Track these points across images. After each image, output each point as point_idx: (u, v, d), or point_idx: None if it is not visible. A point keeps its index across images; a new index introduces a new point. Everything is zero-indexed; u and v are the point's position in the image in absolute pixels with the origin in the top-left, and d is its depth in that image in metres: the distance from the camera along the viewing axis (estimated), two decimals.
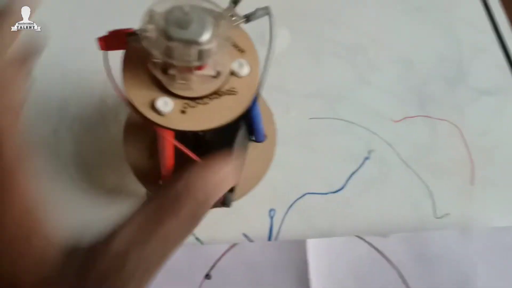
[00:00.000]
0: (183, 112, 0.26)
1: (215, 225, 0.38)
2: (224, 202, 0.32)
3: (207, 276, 0.37)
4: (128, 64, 0.27)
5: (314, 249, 0.38)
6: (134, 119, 0.36)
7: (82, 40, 0.34)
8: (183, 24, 0.24)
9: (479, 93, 0.45)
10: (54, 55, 0.33)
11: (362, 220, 0.40)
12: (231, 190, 0.32)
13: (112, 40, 0.26)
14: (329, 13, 0.47)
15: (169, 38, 0.24)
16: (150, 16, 0.25)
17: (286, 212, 0.39)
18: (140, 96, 0.26)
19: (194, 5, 0.24)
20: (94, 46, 0.26)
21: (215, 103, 0.27)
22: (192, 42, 0.24)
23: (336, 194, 0.41)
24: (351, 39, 0.46)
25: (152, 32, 0.24)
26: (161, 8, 0.25)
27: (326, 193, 0.41)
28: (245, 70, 0.27)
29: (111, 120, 0.41)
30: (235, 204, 0.33)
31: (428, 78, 0.45)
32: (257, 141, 0.36)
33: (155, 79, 0.26)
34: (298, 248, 0.38)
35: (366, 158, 0.42)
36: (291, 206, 0.40)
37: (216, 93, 0.27)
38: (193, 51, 0.24)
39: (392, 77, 0.45)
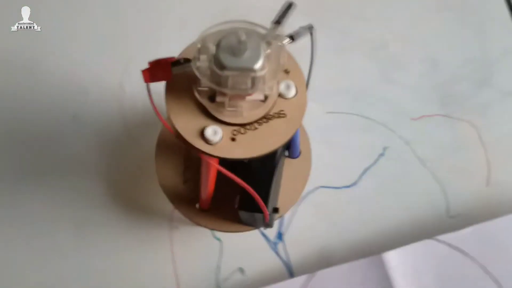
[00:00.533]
0: (233, 139, 0.26)
1: None
2: (268, 223, 0.33)
3: None
4: (172, 92, 0.27)
5: (393, 262, 0.37)
6: (167, 137, 0.37)
7: None
8: (236, 51, 0.24)
9: (503, 94, 0.44)
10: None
11: (374, 216, 0.41)
12: (275, 210, 0.33)
13: (156, 71, 0.26)
14: (355, 8, 0.47)
15: (222, 67, 0.24)
16: (202, 44, 0.24)
17: (299, 205, 0.40)
18: (187, 125, 0.26)
19: (247, 30, 0.24)
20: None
21: (264, 127, 0.26)
22: (248, 70, 0.24)
23: (349, 189, 0.41)
24: (376, 35, 0.46)
25: (204, 61, 0.24)
26: (212, 34, 0.24)
27: (339, 187, 0.41)
28: (292, 92, 0.27)
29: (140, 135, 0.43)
30: None
31: (453, 78, 0.45)
32: (291, 157, 0.36)
33: (201, 107, 0.26)
34: (377, 265, 0.38)
35: (381, 155, 0.42)
36: (304, 198, 0.41)
37: (265, 117, 0.27)
38: (248, 79, 0.24)
39: (415, 76, 0.45)
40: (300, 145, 0.36)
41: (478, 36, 0.46)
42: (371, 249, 0.39)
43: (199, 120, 0.26)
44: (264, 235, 0.40)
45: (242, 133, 0.26)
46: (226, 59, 0.24)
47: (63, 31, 0.46)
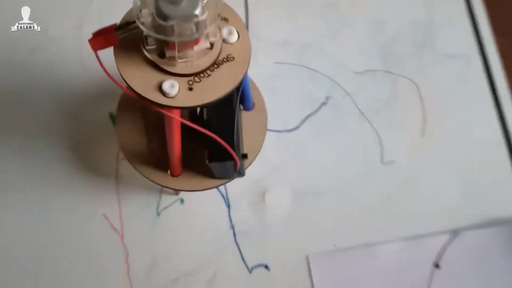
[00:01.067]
0: (190, 89, 0.27)
1: None
2: (239, 170, 0.34)
3: (437, 266, 0.40)
4: (121, 56, 0.28)
5: None
6: (127, 106, 0.37)
7: None
8: (174, 1, 0.25)
9: (443, 56, 0.47)
10: None
11: (312, 160, 0.43)
12: (244, 156, 0.34)
13: (102, 39, 0.27)
14: None
15: (166, 17, 0.25)
16: (142, 1, 0.26)
17: None
18: (144, 84, 0.27)
19: None
20: None
21: (216, 73, 0.28)
22: (189, 16, 0.25)
23: (290, 133, 0.44)
24: None
25: (146, 17, 0.26)
26: None
27: (280, 131, 0.43)
28: (234, 36, 0.29)
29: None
30: None
31: (396, 39, 0.48)
32: (246, 109, 0.37)
33: (153, 64, 0.27)
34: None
35: (323, 104, 0.45)
36: None
37: (215, 64, 0.28)
38: (191, 25, 0.25)
39: (361, 34, 0.48)
40: (254, 98, 0.37)
41: (425, 2, 0.49)
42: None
43: (154, 77, 0.27)
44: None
45: (197, 82, 0.28)
46: (168, 9, 0.25)
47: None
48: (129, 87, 0.28)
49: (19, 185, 0.41)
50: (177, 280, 0.39)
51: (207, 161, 0.33)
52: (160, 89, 0.27)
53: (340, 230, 0.41)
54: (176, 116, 0.29)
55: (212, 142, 0.30)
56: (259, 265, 0.40)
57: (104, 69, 0.28)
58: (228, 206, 0.41)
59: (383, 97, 0.45)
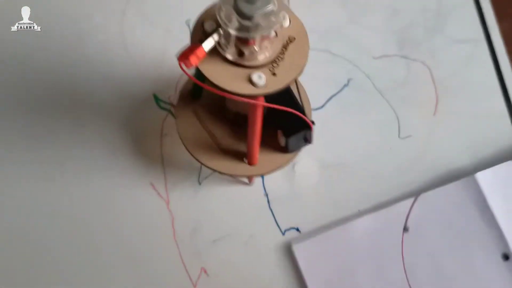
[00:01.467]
0: (274, 74, 0.31)
1: None
2: (309, 138, 0.39)
3: (405, 229, 0.43)
4: (203, 63, 0.31)
5: (485, 181, 0.43)
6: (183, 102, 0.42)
7: None
8: (252, 0, 0.29)
9: (452, 41, 0.51)
10: None
11: (336, 135, 0.47)
12: (313, 123, 0.38)
13: (193, 58, 0.30)
14: None
15: (248, 17, 0.29)
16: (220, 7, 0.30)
17: None
18: (233, 83, 0.31)
19: None
20: None
21: (288, 55, 0.32)
22: (268, 13, 0.29)
23: (316, 111, 0.48)
24: None
25: (230, 19, 0.29)
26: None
27: None
28: (287, 21, 0.33)
29: None
30: None
31: (410, 25, 0.52)
32: None
33: (235, 64, 0.31)
34: (471, 185, 0.43)
35: (345, 85, 0.49)
36: None
37: (283, 47, 0.32)
38: (271, 18, 0.29)
39: (378, 21, 0.52)
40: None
41: None
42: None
43: (240, 74, 0.31)
44: None
45: (276, 67, 0.32)
46: (247, 9, 0.29)
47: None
48: (218, 87, 0.31)
49: (77, 157, 0.45)
50: (217, 241, 0.44)
51: (284, 139, 0.38)
52: (250, 81, 0.31)
53: (361, 197, 0.45)
54: (261, 102, 0.33)
55: (280, 121, 0.36)
56: (291, 228, 0.44)
57: (190, 76, 0.33)
58: (262, 176, 0.46)
59: (399, 79, 0.50)
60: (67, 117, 0.47)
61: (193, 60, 0.31)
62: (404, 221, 0.43)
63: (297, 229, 0.44)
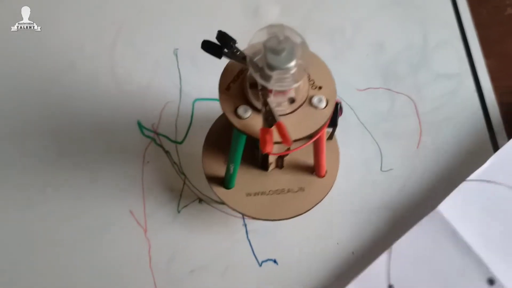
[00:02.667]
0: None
1: None
2: None
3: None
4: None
5: (448, 211, 0.42)
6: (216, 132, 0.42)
7: None
8: (277, 51, 0.28)
9: (437, 76, 0.52)
10: None
11: None
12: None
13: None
14: None
15: (272, 67, 0.28)
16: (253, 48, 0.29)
17: None
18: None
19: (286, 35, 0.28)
20: None
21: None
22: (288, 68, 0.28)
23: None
24: (333, 22, 0.54)
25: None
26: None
27: None
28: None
29: None
30: None
31: (395, 60, 0.52)
32: None
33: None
34: (437, 219, 0.42)
35: None
36: None
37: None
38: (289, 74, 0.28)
39: (363, 56, 0.53)
40: None
41: (420, 28, 0.54)
42: None
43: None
44: None
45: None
46: (272, 59, 0.28)
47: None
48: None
49: (55, 183, 0.46)
50: (193, 271, 0.43)
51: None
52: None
53: (343, 229, 0.45)
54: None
55: None
56: (268, 260, 0.44)
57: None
58: None
59: (383, 112, 0.50)
60: (49, 140, 0.48)
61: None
62: (387, 280, 0.42)
63: (275, 261, 0.44)
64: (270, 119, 0.30)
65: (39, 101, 0.50)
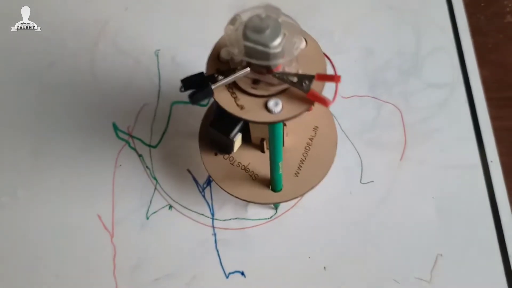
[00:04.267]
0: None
1: None
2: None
3: None
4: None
5: None
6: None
7: None
8: (259, 29, 0.28)
9: (428, 85, 0.49)
10: None
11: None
12: None
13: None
14: (310, 1, 0.53)
15: (247, 39, 0.27)
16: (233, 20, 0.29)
17: None
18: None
19: (269, 16, 0.28)
20: None
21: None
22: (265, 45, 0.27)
23: None
24: (322, 24, 0.52)
25: (232, 34, 0.28)
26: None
27: None
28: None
29: None
30: None
31: (384, 67, 0.50)
32: None
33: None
34: None
35: None
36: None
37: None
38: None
39: (351, 61, 0.50)
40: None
41: (413, 34, 0.51)
42: None
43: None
44: (195, 179, 0.45)
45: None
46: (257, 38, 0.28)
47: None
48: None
49: (27, 184, 0.45)
50: (158, 280, 0.42)
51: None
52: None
53: (315, 243, 0.43)
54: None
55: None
56: (235, 271, 0.42)
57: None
58: (213, 215, 0.44)
59: (367, 121, 0.48)
60: (23, 138, 0.47)
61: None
62: None
63: (242, 273, 0.42)
64: (306, 84, 0.30)
65: (17, 99, 0.49)
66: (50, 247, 0.43)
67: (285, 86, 0.30)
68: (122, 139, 0.47)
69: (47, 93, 0.49)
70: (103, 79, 0.50)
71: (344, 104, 0.48)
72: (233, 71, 0.30)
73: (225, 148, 0.39)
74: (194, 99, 0.29)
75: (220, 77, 0.30)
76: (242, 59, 0.30)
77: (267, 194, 0.40)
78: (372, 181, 0.45)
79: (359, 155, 0.46)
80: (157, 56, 0.51)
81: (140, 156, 0.46)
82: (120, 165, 0.46)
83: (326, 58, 0.33)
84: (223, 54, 0.31)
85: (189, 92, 0.30)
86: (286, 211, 0.44)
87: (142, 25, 0.53)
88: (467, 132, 0.47)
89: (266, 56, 0.28)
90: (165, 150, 0.46)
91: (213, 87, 0.30)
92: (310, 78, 0.30)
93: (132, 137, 0.47)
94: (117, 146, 0.47)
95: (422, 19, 0.52)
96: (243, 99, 0.31)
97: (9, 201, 0.45)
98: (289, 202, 0.44)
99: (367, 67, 0.50)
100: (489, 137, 0.47)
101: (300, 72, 0.31)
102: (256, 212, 0.44)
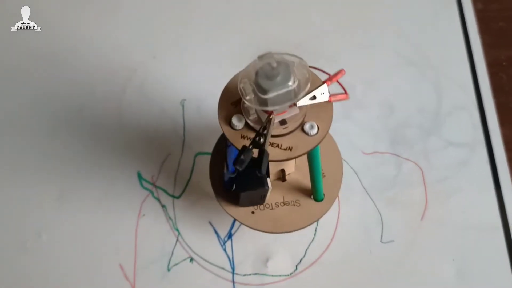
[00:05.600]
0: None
1: None
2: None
3: None
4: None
5: None
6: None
7: None
8: (271, 77, 0.30)
9: (448, 144, 0.49)
10: None
11: (314, 232, 0.46)
12: None
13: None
14: (330, 52, 0.54)
15: (264, 91, 0.29)
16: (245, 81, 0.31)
17: None
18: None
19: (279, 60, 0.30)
20: None
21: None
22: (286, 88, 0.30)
23: None
24: (344, 79, 0.53)
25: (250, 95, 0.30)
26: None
27: None
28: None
29: None
30: None
31: (405, 124, 0.51)
32: None
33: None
34: None
35: None
36: None
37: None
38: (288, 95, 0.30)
39: (373, 116, 0.51)
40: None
41: (434, 91, 0.52)
42: None
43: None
44: (216, 232, 0.46)
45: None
46: (267, 84, 0.30)
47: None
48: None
49: (51, 228, 0.46)
50: None
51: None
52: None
53: None
54: None
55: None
56: None
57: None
58: (233, 269, 0.44)
59: (388, 179, 0.48)
60: (49, 180, 0.48)
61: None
62: None
63: None
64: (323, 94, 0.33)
65: (46, 144, 0.50)
66: None
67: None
68: (146, 189, 0.48)
69: (75, 137, 0.51)
70: (130, 127, 0.51)
71: (365, 160, 0.49)
72: (264, 128, 0.32)
73: (261, 198, 0.40)
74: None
75: (259, 140, 0.32)
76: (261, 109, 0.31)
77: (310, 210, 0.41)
78: (393, 241, 0.45)
79: (379, 213, 0.47)
80: (183, 106, 0.52)
81: (163, 206, 0.47)
82: (144, 215, 0.47)
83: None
84: (235, 121, 0.33)
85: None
86: (305, 269, 0.45)
87: (169, 74, 0.54)
88: (488, 193, 0.47)
89: (289, 96, 0.30)
90: (188, 201, 0.47)
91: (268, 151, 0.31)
92: (322, 86, 0.33)
93: (156, 187, 0.48)
94: (141, 196, 0.48)
95: (444, 77, 0.53)
96: (285, 141, 0.33)
97: (33, 244, 0.46)
98: (307, 260, 0.45)
99: (388, 123, 0.51)
100: (511, 198, 0.47)
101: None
102: (276, 268, 0.44)
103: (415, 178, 0.48)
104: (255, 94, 0.31)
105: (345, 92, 0.34)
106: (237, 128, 0.33)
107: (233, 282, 0.44)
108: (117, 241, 0.46)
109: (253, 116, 0.33)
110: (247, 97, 0.31)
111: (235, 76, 0.35)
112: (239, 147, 0.32)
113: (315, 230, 0.46)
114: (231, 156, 0.38)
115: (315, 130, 0.33)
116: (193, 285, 0.44)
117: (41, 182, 0.49)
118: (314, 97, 0.33)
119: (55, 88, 0.53)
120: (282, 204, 0.41)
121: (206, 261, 0.45)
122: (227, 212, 0.40)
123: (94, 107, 0.52)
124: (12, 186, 0.48)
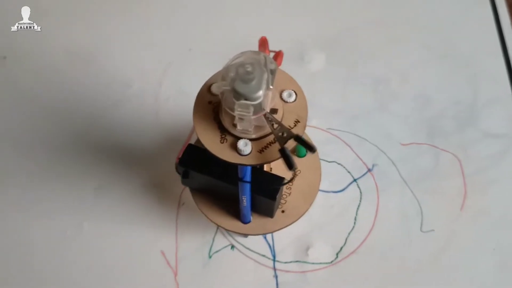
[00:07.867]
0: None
1: None
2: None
3: None
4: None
5: None
6: None
7: None
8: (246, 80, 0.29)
9: (484, 136, 0.50)
10: None
11: (353, 222, 0.46)
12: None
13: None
14: (365, 47, 0.55)
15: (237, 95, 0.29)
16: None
17: None
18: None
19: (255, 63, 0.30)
20: None
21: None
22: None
23: (336, 194, 0.47)
24: (379, 72, 0.54)
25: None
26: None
27: (327, 191, 0.47)
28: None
29: None
30: None
31: (441, 116, 0.51)
32: None
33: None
34: None
35: (369, 170, 0.48)
36: None
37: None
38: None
39: (409, 109, 0.51)
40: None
41: (470, 83, 0.52)
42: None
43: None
44: None
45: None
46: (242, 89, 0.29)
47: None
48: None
49: (93, 218, 0.47)
50: None
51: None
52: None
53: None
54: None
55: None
56: None
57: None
58: (274, 256, 0.45)
59: (426, 169, 0.48)
60: (87, 173, 0.49)
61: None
62: None
63: None
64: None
65: (82, 136, 0.51)
66: (114, 280, 0.44)
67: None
68: None
69: (112, 130, 0.51)
70: (166, 120, 0.52)
71: (403, 151, 0.49)
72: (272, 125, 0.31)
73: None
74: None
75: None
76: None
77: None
78: (433, 230, 0.46)
79: (418, 203, 0.47)
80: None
81: None
82: (183, 203, 0.47)
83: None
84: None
85: None
86: (346, 257, 0.45)
87: (204, 66, 0.54)
88: None
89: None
90: None
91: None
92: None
93: None
94: (180, 185, 0.48)
95: (477, 69, 0.53)
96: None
97: (74, 233, 0.46)
98: (347, 249, 0.45)
99: (424, 115, 0.51)
100: None
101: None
102: (316, 256, 0.45)
103: (453, 168, 0.48)
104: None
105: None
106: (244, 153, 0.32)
107: (275, 269, 0.44)
108: (158, 228, 0.46)
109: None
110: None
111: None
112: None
113: (355, 219, 0.46)
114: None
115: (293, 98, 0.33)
116: (235, 271, 0.44)
117: (80, 173, 0.49)
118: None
119: (88, 84, 0.54)
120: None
121: (248, 248, 0.45)
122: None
123: (130, 100, 0.53)
124: (54, 181, 0.49)
